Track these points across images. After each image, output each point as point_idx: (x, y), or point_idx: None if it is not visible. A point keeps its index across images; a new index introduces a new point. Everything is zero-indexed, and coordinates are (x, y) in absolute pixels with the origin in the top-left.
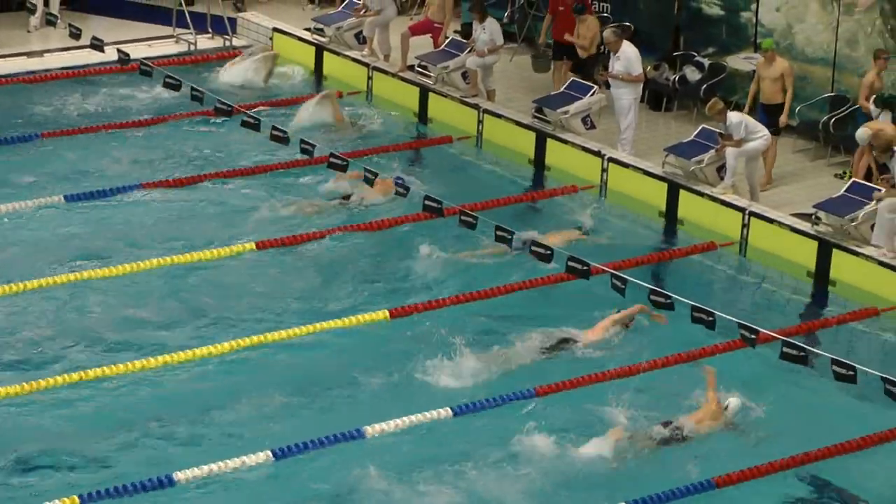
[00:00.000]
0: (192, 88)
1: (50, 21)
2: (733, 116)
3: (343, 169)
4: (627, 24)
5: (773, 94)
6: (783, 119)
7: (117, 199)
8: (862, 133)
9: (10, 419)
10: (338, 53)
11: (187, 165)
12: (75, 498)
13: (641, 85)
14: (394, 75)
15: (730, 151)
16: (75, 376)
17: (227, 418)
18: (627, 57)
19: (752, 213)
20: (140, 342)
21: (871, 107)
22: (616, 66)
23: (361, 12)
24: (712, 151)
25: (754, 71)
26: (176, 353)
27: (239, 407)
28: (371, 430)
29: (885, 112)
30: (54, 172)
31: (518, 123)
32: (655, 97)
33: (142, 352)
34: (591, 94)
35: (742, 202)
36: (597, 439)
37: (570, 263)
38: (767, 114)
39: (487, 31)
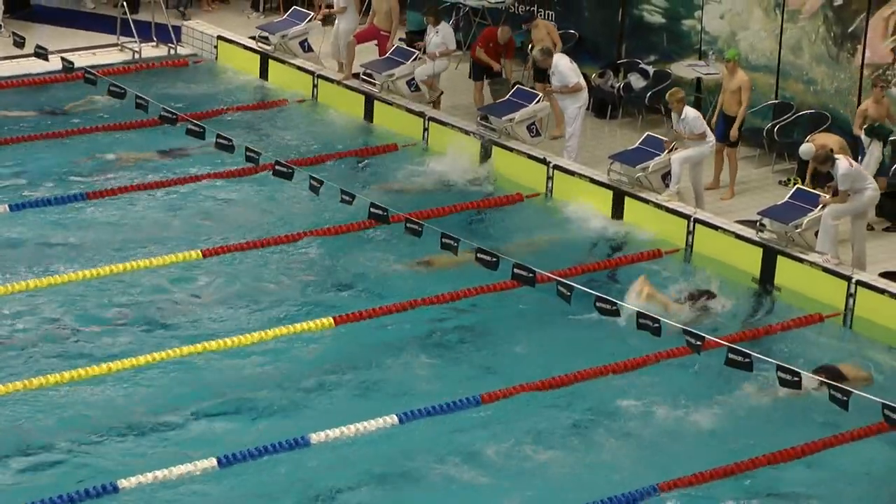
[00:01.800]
0: (137, 97)
1: None
2: (691, 111)
3: (289, 177)
4: (572, 31)
5: (731, 104)
6: (733, 132)
7: (57, 207)
8: (806, 148)
9: None
10: (283, 61)
11: (130, 175)
12: None
13: (584, 93)
14: (339, 83)
15: (675, 157)
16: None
17: (174, 425)
18: (560, 71)
19: (697, 220)
20: (89, 350)
21: (862, 135)
22: (553, 81)
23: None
24: (657, 158)
25: (699, 79)
26: (122, 360)
27: (187, 413)
28: (316, 437)
29: (875, 142)
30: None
31: (464, 131)
32: (600, 105)
33: (90, 359)
34: (537, 102)
35: (687, 209)
36: None
37: (517, 271)
38: (726, 124)
39: (440, 34)
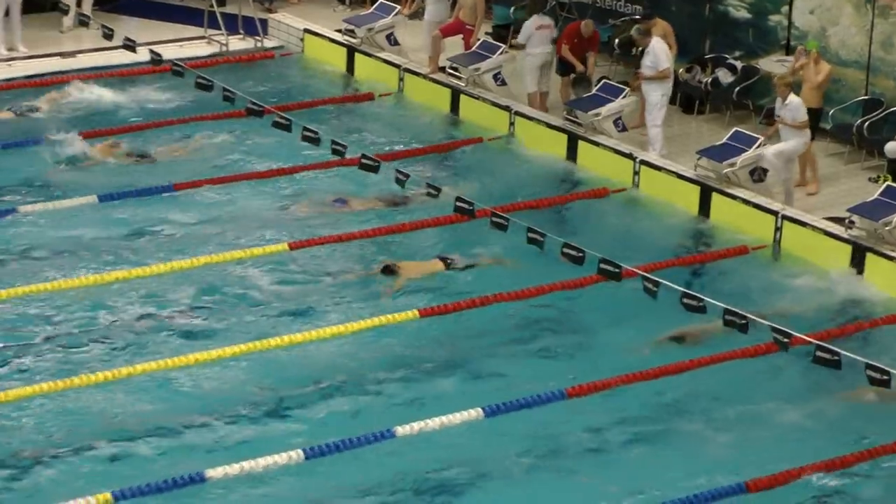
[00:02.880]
0: (224, 89)
1: (83, 22)
2: (795, 98)
3: (375, 170)
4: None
5: (812, 98)
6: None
7: (151, 199)
8: (892, 147)
9: (43, 415)
10: (369, 55)
11: (218, 166)
12: (108, 495)
13: (670, 82)
14: (425, 77)
15: (771, 151)
16: (108, 374)
17: (262, 416)
18: (655, 52)
19: (785, 217)
20: (165, 342)
21: None
22: (645, 61)
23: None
24: (745, 154)
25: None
26: (210, 350)
27: (275, 404)
28: (402, 429)
29: None
30: (90, 172)
31: (550, 126)
32: (688, 100)
33: (166, 352)
34: (623, 97)
35: (775, 206)
36: None
37: (603, 266)
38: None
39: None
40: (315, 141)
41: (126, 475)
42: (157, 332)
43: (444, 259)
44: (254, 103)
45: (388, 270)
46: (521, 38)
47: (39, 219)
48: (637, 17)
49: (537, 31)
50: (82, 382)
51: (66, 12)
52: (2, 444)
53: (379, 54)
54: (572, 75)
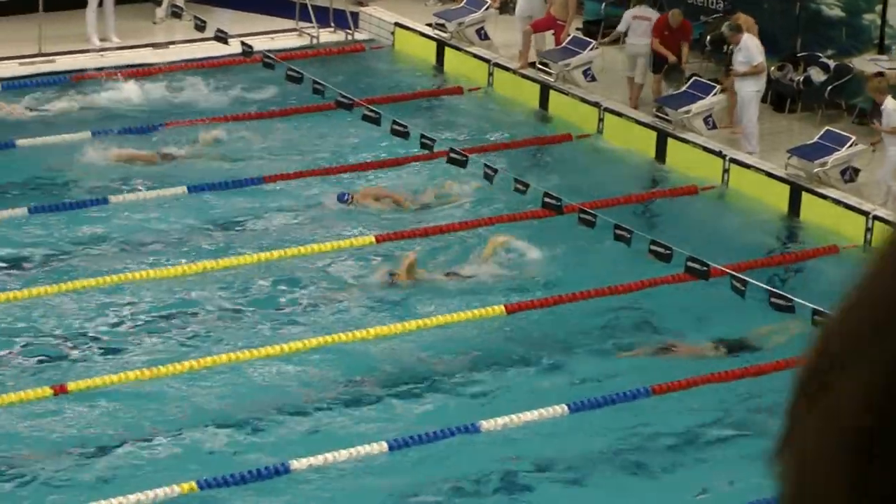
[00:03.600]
0: (314, 82)
1: (175, 13)
2: (891, 103)
3: (463, 165)
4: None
5: None
6: None
7: (238, 190)
8: None
9: (128, 404)
10: (459, 49)
11: (307, 159)
12: (193, 483)
13: (764, 77)
14: (514, 72)
15: (887, 172)
16: (193, 364)
17: (346, 407)
18: (748, 47)
19: (876, 217)
20: (251, 332)
21: None
22: (738, 57)
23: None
24: (836, 154)
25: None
26: (293, 342)
27: (359, 396)
28: (486, 424)
29: None
30: (176, 163)
31: (639, 122)
32: (779, 98)
33: (252, 342)
34: (714, 94)
35: (866, 206)
36: None
37: (690, 264)
38: None
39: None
40: (404, 135)
41: (211, 465)
42: (242, 322)
43: None
44: (344, 96)
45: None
46: (620, 27)
47: (130, 209)
48: (719, 10)
49: (634, 21)
50: (167, 372)
51: (159, 3)
52: (87, 432)
53: (469, 49)
54: (665, 66)
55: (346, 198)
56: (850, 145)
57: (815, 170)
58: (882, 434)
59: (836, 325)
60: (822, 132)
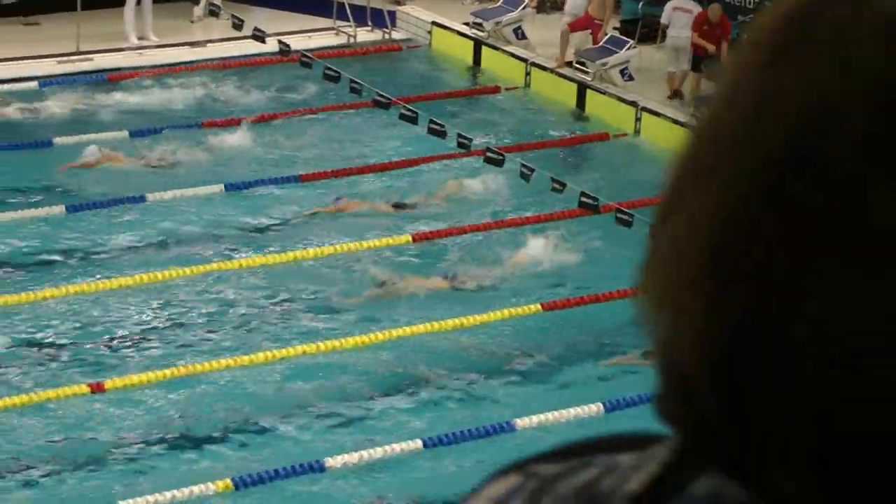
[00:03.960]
0: (352, 81)
1: (213, 12)
2: None
3: (499, 164)
4: None
5: None
6: None
7: (270, 189)
8: None
9: (166, 401)
10: (496, 48)
11: (344, 157)
12: (228, 481)
13: None
14: (552, 71)
15: None
16: (230, 361)
17: (377, 407)
18: None
19: None
20: (287, 330)
21: None
22: None
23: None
24: None
25: None
26: (324, 341)
27: (394, 394)
28: (521, 422)
29: None
30: (214, 161)
31: (677, 122)
32: None
33: (289, 340)
34: None
35: None
36: None
37: None
38: None
39: None
40: (441, 133)
41: (245, 462)
42: (279, 320)
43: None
44: (381, 95)
45: None
46: (662, 19)
47: (167, 207)
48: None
49: (675, 13)
50: (204, 369)
51: (196, 2)
52: (123, 429)
53: (506, 48)
54: (703, 61)
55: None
56: None
57: None
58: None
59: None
60: None
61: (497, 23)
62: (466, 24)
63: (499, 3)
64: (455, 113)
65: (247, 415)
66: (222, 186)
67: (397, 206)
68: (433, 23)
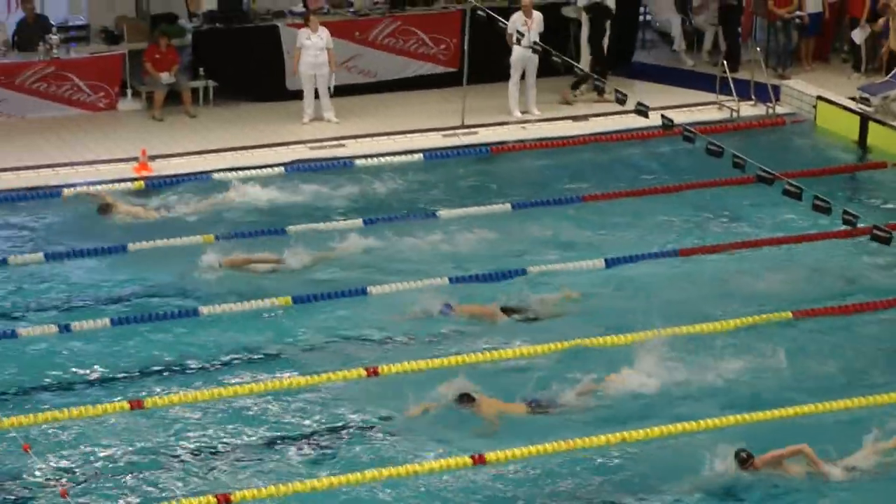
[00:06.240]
0: (734, 155)
1: (598, 87)
2: None
3: (887, 242)
4: None
5: None
6: None
7: (656, 262)
8: None
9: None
10: (883, 123)
11: (725, 232)
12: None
13: None
14: None
15: None
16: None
17: None
18: None
19: None
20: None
21: None
22: None
23: None
24: None
25: None
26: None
27: None
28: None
29: None
30: (595, 232)
31: None
32: None
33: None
34: None
35: None
36: None
37: None
38: None
39: None
40: (826, 210)
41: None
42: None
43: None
44: (764, 170)
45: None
46: None
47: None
48: None
49: None
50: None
51: (584, 80)
52: (161, 444)
53: (894, 123)
54: None
55: (447, 311)
56: None
57: None
58: None
59: None
60: None
61: (885, 97)
62: (852, 98)
63: (887, 78)
64: (840, 189)
65: (289, 434)
66: (603, 261)
67: None
68: (818, 97)
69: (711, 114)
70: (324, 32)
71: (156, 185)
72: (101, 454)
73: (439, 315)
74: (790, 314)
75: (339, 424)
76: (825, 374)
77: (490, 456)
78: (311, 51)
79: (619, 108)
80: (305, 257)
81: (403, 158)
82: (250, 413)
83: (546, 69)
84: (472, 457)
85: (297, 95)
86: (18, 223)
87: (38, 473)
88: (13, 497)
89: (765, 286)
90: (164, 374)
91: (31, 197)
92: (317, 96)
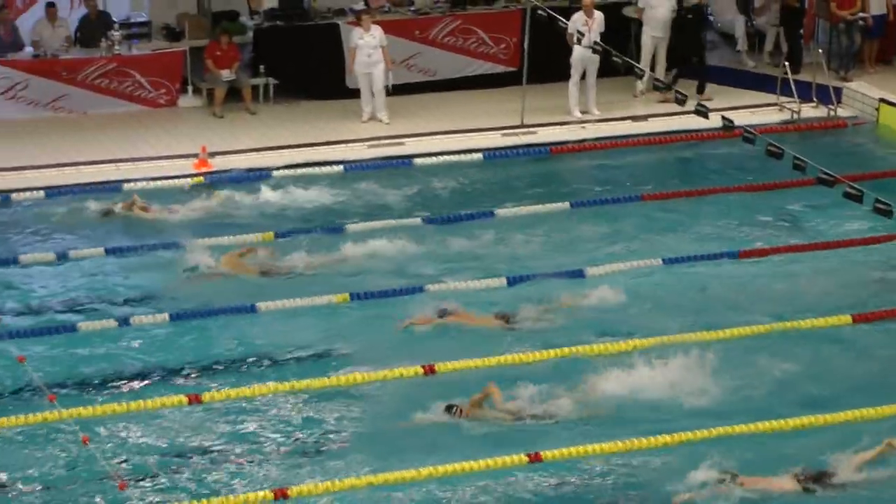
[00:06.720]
0: (795, 157)
1: (657, 87)
2: None
3: None
4: None
5: None
6: None
7: (715, 264)
8: None
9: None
10: None
11: (785, 234)
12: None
13: None
14: None
15: None
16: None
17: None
18: None
19: None
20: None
21: None
22: None
23: None
24: None
25: None
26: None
27: None
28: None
29: None
30: (653, 234)
31: None
32: None
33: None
34: None
35: None
36: None
37: None
38: None
39: None
40: (887, 213)
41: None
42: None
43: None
44: (825, 172)
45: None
46: None
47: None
48: None
49: None
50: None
51: (640, 77)
52: (216, 437)
53: None
54: None
55: (444, 315)
56: None
57: None
58: None
59: None
60: None
61: None
62: None
63: None
64: None
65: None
66: (660, 260)
67: None
68: (881, 100)
69: (772, 115)
70: (377, 31)
71: (215, 182)
72: (159, 447)
73: (437, 319)
74: (850, 318)
75: (397, 421)
76: (887, 377)
77: (546, 454)
78: (365, 50)
79: (679, 108)
80: (362, 255)
81: (462, 157)
82: (307, 409)
83: (606, 69)
84: (529, 455)
85: (357, 93)
86: (80, 218)
87: (96, 466)
88: (72, 488)
89: (824, 289)
90: (222, 368)
91: (92, 192)
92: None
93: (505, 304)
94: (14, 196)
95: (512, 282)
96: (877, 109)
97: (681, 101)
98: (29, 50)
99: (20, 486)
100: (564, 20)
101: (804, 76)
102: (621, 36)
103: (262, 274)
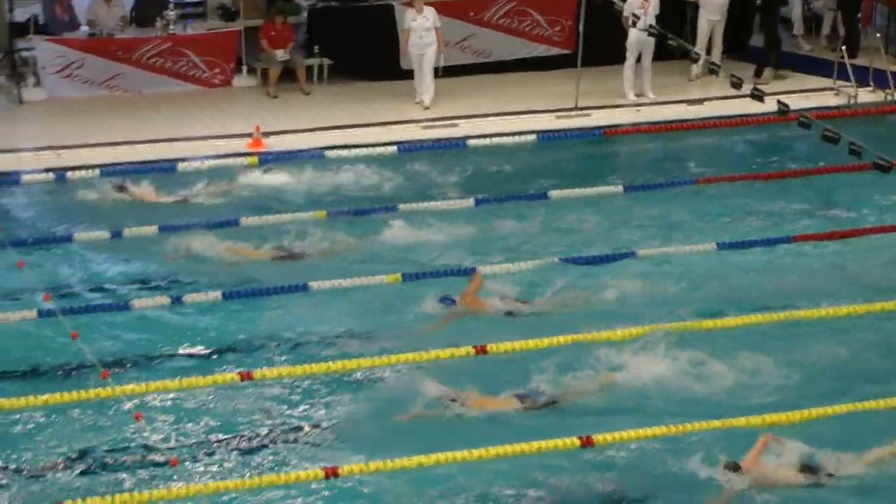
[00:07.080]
0: (851, 142)
1: (712, 70)
2: None
3: None
4: None
5: None
6: None
7: (770, 249)
8: None
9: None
10: None
11: (842, 219)
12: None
13: None
14: None
15: None
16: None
17: None
18: None
19: None
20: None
21: None
22: None
23: None
24: None
25: None
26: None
27: None
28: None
29: None
30: (707, 218)
31: None
32: None
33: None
34: None
35: None
36: None
37: None
38: None
39: None
40: None
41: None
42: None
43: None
44: (881, 157)
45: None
46: None
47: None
48: None
49: None
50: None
51: (696, 60)
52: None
53: None
54: None
55: (448, 303)
56: None
57: None
58: None
59: None
60: None
61: None
62: None
63: None
64: None
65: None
66: (714, 245)
67: None
68: None
69: (828, 99)
70: (429, 12)
71: (269, 161)
72: (211, 424)
73: (440, 306)
74: None
75: (448, 401)
76: None
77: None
78: (417, 31)
79: (734, 91)
80: (414, 236)
81: (516, 139)
82: (359, 387)
83: (662, 52)
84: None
85: (411, 75)
86: (130, 196)
87: (149, 443)
88: (126, 464)
89: (880, 274)
90: (274, 346)
91: (147, 171)
92: None
93: (554, 288)
94: (69, 175)
95: (563, 262)
96: None
97: (736, 84)
98: (85, 29)
99: (74, 462)
100: (620, 3)
101: (861, 60)
102: (677, 19)
103: (315, 254)
